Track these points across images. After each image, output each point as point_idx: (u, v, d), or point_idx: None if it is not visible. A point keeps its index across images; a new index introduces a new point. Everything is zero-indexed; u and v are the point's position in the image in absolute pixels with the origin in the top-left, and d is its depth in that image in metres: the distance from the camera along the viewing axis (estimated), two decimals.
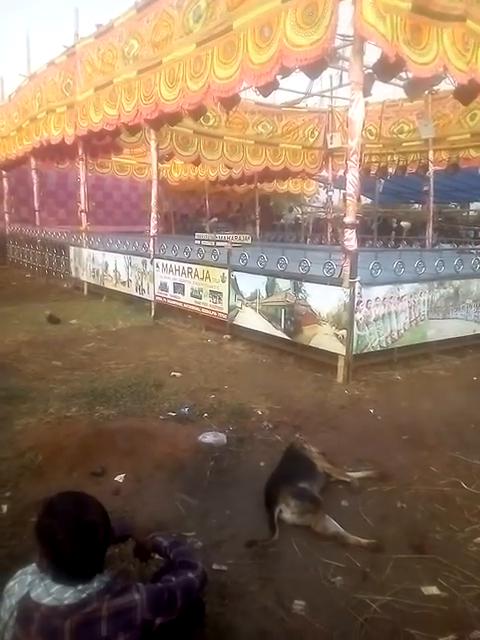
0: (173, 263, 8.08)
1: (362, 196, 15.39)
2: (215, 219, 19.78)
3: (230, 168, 14.11)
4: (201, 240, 11.08)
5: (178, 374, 5.45)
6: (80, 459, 3.44)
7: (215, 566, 2.48)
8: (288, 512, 2.82)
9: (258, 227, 17.31)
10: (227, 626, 2.15)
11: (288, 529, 2.77)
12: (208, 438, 3.84)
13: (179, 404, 4.54)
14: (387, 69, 5.42)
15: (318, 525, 2.75)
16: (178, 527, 2.78)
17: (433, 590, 2.38)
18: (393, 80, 6.65)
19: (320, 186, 18.16)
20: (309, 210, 21.78)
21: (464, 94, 6.96)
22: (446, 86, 7.96)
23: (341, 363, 5.35)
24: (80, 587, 1.49)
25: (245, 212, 21.19)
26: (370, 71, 5.58)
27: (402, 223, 19.06)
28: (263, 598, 2.31)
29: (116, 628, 1.47)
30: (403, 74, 6.35)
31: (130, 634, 1.50)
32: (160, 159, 9.85)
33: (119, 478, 3.29)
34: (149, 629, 1.57)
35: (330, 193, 15.50)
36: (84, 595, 1.48)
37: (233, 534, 2.76)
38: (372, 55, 5.30)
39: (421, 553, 2.64)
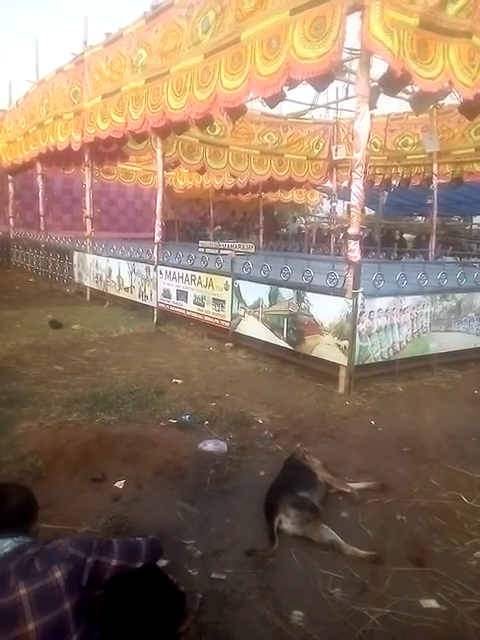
0: (176, 270, 8.11)
1: (366, 208, 15.47)
2: (219, 227, 19.89)
3: (235, 177, 14.24)
4: (205, 248, 11.11)
5: (180, 381, 5.45)
6: (81, 464, 3.45)
7: (214, 575, 2.48)
8: (288, 522, 2.81)
9: (261, 236, 17.39)
10: (225, 635, 2.14)
11: (288, 539, 2.76)
12: (209, 446, 3.84)
13: (180, 411, 4.55)
14: (393, 83, 5.47)
15: (315, 533, 2.75)
16: (177, 535, 2.78)
17: (432, 603, 2.37)
18: (399, 93, 6.70)
19: (324, 197, 18.25)
20: (312, 220, 21.87)
21: (469, 109, 7.03)
22: (451, 100, 8.03)
23: (343, 374, 5.36)
24: (18, 538, 1.80)
25: (249, 221, 21.30)
26: (376, 84, 5.62)
27: (405, 235, 19.14)
28: (262, 608, 2.30)
29: (49, 562, 1.74)
30: (409, 88, 6.41)
31: (63, 565, 1.74)
32: (166, 167, 9.91)
33: (119, 484, 3.30)
34: (96, 575, 1.82)
35: (334, 204, 15.60)
36: (21, 544, 1.78)
37: (233, 543, 2.75)
38: (378, 69, 5.37)
39: (420, 566, 2.63)
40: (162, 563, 2.46)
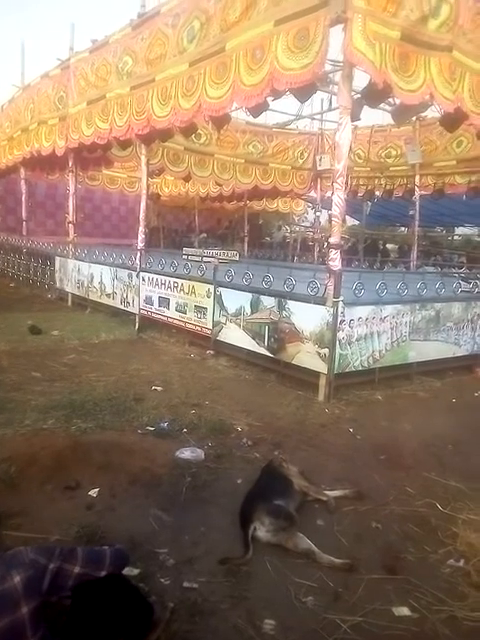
0: (159, 277, 8.08)
1: (350, 217, 15.63)
2: (204, 235, 19.90)
3: (220, 185, 14.26)
4: (188, 255, 11.09)
5: (159, 388, 5.42)
6: (54, 472, 3.39)
7: (186, 584, 2.45)
8: (263, 530, 2.80)
9: (246, 244, 17.42)
10: None
11: (262, 548, 2.74)
12: (186, 454, 3.81)
13: (159, 419, 4.51)
14: (375, 95, 5.53)
15: (290, 542, 2.74)
16: (151, 543, 2.75)
17: (404, 611, 2.37)
18: (382, 105, 6.79)
19: (308, 206, 18.37)
20: (297, 229, 21.99)
21: (450, 121, 7.12)
22: (433, 113, 8.17)
23: (322, 382, 5.37)
24: None
25: (234, 229, 21.33)
26: (359, 96, 5.69)
27: (388, 245, 19.33)
28: (234, 617, 2.28)
29: (8, 568, 1.76)
30: (391, 100, 6.50)
31: (22, 570, 1.75)
32: (150, 174, 9.91)
33: (93, 492, 3.25)
34: (58, 582, 1.83)
35: (318, 213, 15.73)
36: None
37: (206, 551, 2.73)
38: (361, 80, 5.44)
39: (394, 574, 2.63)
40: (134, 572, 2.43)
